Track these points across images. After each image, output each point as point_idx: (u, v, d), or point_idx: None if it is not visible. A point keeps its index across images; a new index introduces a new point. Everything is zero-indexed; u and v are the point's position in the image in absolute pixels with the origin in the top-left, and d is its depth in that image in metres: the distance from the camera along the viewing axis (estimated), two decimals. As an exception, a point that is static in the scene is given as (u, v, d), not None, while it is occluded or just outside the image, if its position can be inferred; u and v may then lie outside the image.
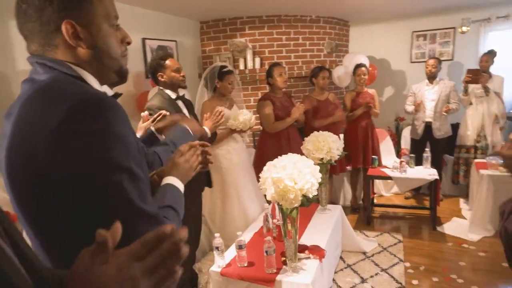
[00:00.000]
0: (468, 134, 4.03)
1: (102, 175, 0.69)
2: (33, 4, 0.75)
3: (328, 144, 2.61)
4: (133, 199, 0.72)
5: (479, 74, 3.82)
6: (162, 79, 2.37)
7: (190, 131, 1.44)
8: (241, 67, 4.29)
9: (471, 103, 4.02)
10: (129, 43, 0.91)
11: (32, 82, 0.77)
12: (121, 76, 0.89)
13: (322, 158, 2.60)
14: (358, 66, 3.95)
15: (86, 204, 0.69)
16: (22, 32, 0.80)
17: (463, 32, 4.51)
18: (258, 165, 3.21)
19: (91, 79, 0.83)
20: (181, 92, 2.48)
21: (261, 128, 3.41)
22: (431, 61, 4.01)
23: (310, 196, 1.81)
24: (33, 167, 0.69)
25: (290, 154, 1.95)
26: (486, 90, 3.85)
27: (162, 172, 1.06)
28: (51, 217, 0.72)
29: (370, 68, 4.63)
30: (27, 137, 0.70)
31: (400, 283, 2.65)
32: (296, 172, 1.79)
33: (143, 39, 3.52)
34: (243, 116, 2.87)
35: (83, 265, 0.49)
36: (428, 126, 4.02)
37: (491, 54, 3.97)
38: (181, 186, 1.01)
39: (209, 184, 2.64)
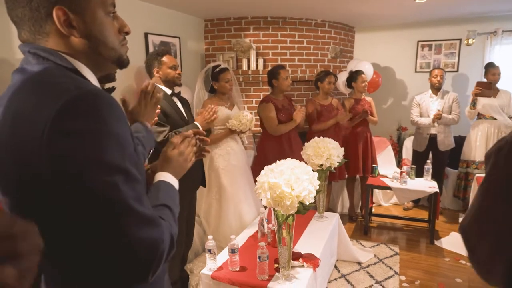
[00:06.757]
0: (480, 150, 3.85)
1: (96, 176, 0.64)
2: None
3: (329, 150, 2.55)
4: (129, 201, 0.67)
5: (491, 88, 3.71)
6: (157, 75, 2.32)
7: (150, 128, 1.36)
8: (244, 67, 4.24)
9: (478, 117, 3.90)
10: (127, 33, 0.85)
11: (23, 73, 0.72)
12: (121, 66, 0.84)
13: (322, 165, 2.54)
14: (359, 73, 3.87)
15: (78, 206, 0.64)
16: (12, 18, 0.74)
17: (469, 44, 4.44)
18: (258, 168, 3.14)
19: (86, 71, 0.78)
20: (177, 90, 2.41)
21: (261, 130, 3.36)
22: (438, 71, 3.88)
23: (307, 203, 1.76)
24: (22, 165, 0.64)
25: (288, 159, 1.89)
26: None
27: (155, 167, 1.00)
28: (37, 219, 0.66)
29: (374, 76, 4.59)
30: (15, 132, 0.65)
31: (395, 297, 2.59)
32: (293, 178, 1.73)
33: (146, 34, 3.46)
34: (244, 117, 2.81)
35: None
36: (432, 138, 3.94)
37: (496, 67, 3.85)
38: (175, 182, 0.95)
39: (203, 183, 2.57)
